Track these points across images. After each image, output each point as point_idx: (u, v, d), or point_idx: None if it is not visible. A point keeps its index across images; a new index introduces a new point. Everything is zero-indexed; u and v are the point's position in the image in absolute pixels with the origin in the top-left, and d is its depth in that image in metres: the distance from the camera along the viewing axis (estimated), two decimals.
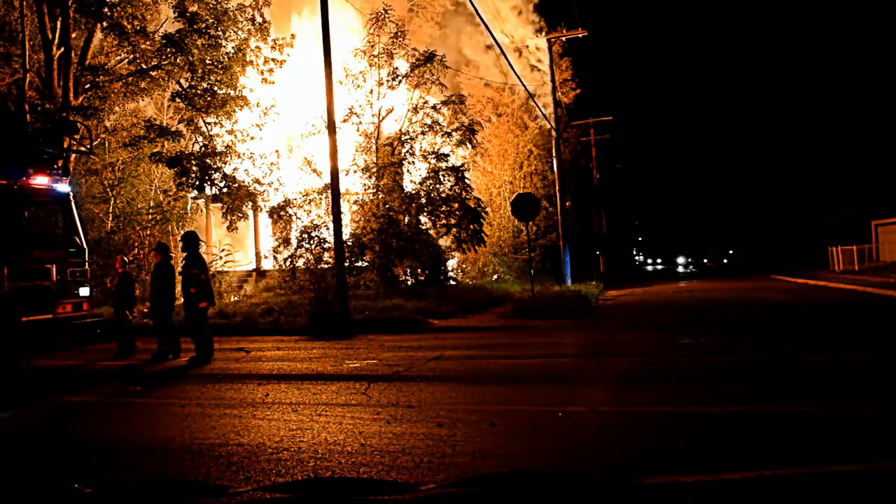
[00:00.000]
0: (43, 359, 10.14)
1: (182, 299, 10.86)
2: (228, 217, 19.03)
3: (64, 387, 8.64)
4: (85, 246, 10.21)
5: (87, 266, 10.26)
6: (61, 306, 9.39)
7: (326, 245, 18.35)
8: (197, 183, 18.42)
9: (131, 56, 17.53)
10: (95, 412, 7.16)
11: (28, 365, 9.62)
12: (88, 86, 16.64)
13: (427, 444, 5.03)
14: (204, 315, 10.19)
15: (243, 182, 18.85)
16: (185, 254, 10.43)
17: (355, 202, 19.64)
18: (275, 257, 19.09)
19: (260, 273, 22.52)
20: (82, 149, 11.88)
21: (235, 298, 19.16)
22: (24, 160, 9.47)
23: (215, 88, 17.87)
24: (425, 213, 19.93)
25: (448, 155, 20.06)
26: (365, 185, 19.67)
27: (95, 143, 17.20)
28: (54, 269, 9.32)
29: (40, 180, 9.64)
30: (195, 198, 21.63)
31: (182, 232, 11.60)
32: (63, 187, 10.01)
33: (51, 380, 9.34)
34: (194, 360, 10.02)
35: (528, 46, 26.74)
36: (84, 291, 9.96)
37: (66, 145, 11.31)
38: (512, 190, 27.16)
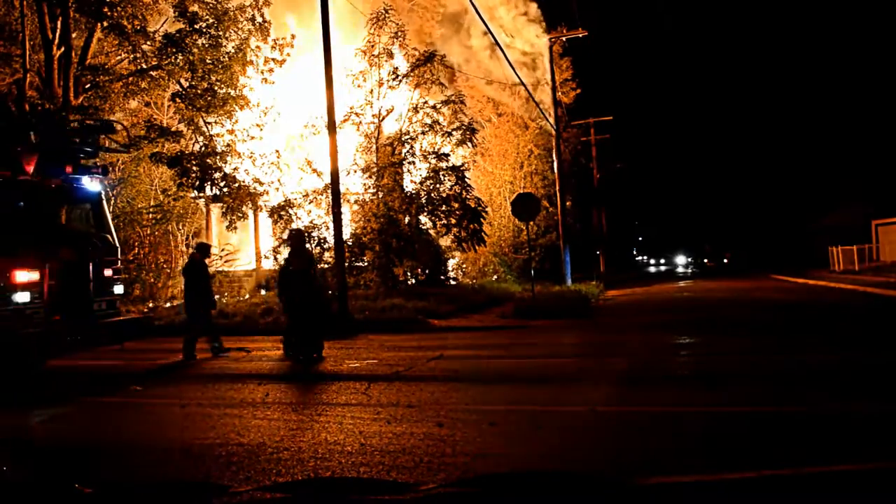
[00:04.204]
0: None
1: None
2: (228, 217, 19.03)
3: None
4: (117, 244, 10.30)
5: (119, 264, 10.33)
6: (97, 304, 9.43)
7: (326, 245, 18.34)
8: (197, 183, 18.41)
9: (132, 56, 17.51)
10: (93, 412, 7.16)
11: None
12: (89, 86, 16.64)
13: (427, 443, 5.03)
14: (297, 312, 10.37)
15: (243, 182, 18.84)
16: (291, 251, 10.73)
17: (355, 202, 19.62)
18: (275, 257, 19.08)
19: (260, 273, 22.50)
20: (119, 148, 11.91)
21: (236, 298, 19.14)
22: (62, 159, 9.55)
23: (216, 88, 17.85)
24: (425, 213, 19.91)
25: (448, 155, 20.03)
26: (365, 185, 19.65)
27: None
28: (91, 266, 9.36)
29: (76, 179, 9.72)
30: (195, 198, 21.62)
31: (291, 229, 11.68)
32: (96, 186, 10.12)
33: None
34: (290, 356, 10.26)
35: (527, 50, 26.76)
36: (119, 289, 10.03)
37: (104, 144, 11.33)
38: (512, 190, 27.16)
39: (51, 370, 9.33)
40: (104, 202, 10.21)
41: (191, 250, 22.31)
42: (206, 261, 11.58)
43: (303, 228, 11.58)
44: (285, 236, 17.90)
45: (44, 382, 8.79)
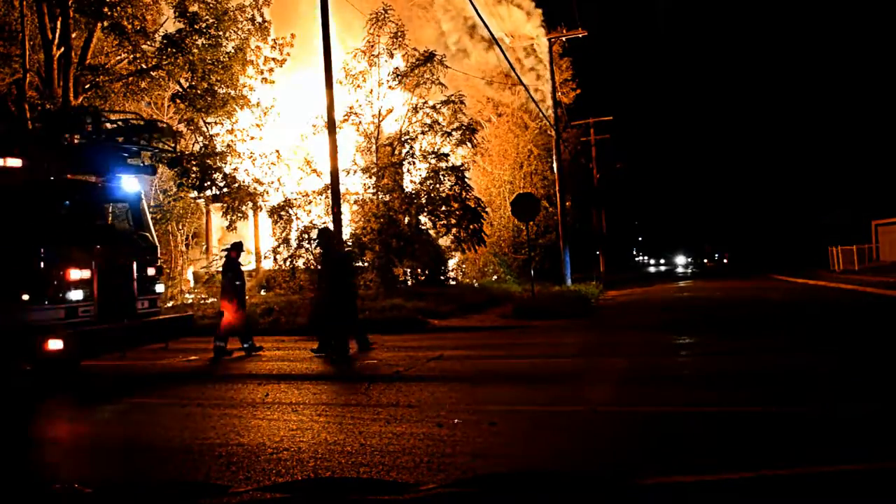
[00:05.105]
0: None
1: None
2: (228, 217, 19.03)
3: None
4: (157, 243, 10.32)
5: (159, 263, 10.37)
6: (140, 303, 9.45)
7: None
8: (197, 183, 18.40)
9: (132, 56, 17.50)
10: (95, 412, 7.16)
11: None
12: (88, 86, 16.63)
13: (427, 444, 5.03)
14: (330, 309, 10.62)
15: (243, 182, 18.84)
16: (321, 250, 11.13)
17: (355, 202, 19.62)
18: (275, 257, 19.07)
19: (260, 273, 22.49)
20: (167, 148, 11.94)
21: None
22: (109, 159, 9.60)
23: (216, 88, 17.85)
24: (425, 213, 19.90)
25: (448, 155, 20.03)
26: (365, 185, 19.65)
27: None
28: (134, 265, 9.37)
29: (120, 178, 9.77)
30: (195, 198, 21.62)
31: (320, 230, 11.95)
32: (136, 186, 10.15)
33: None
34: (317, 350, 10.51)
35: (530, 47, 26.75)
36: (159, 288, 10.09)
37: (150, 144, 11.36)
38: (512, 190, 27.15)
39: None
40: (143, 201, 10.29)
41: (190, 250, 22.35)
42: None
43: (331, 228, 11.79)
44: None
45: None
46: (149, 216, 10.31)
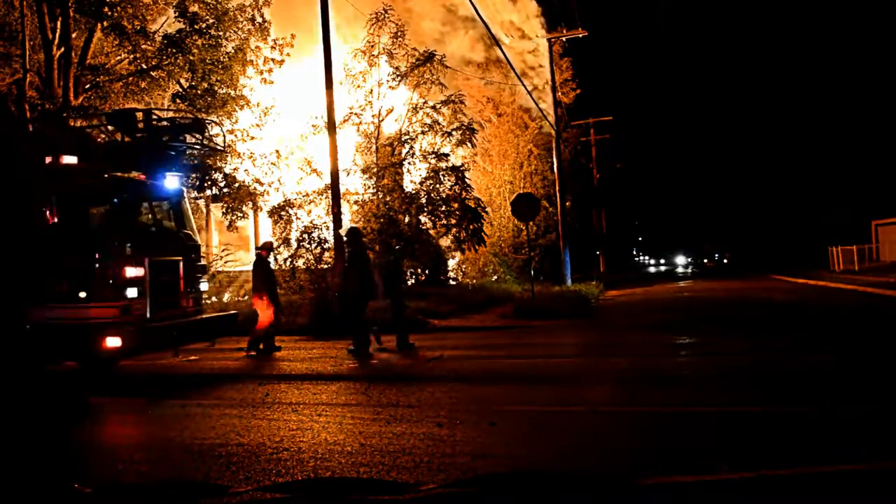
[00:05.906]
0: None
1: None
2: (228, 217, 19.03)
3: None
4: (199, 242, 10.33)
5: (202, 261, 10.37)
6: (185, 300, 9.45)
7: (326, 245, 18.34)
8: (197, 183, 18.41)
9: (132, 56, 17.50)
10: (94, 411, 7.16)
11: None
12: (89, 86, 16.63)
13: (427, 444, 5.03)
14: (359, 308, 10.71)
15: (243, 182, 18.85)
16: (349, 249, 11.14)
17: (355, 202, 19.63)
18: (275, 257, 19.08)
19: None
20: (216, 146, 11.92)
21: (236, 298, 19.13)
22: (153, 157, 9.62)
23: (216, 88, 17.86)
24: (425, 213, 19.90)
25: (448, 155, 20.03)
26: (365, 185, 19.66)
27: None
28: (181, 263, 9.36)
29: (164, 176, 9.80)
30: (195, 198, 21.60)
31: (350, 228, 12.10)
32: (177, 184, 10.15)
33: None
34: (351, 351, 10.50)
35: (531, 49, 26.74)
36: (204, 286, 10.13)
37: (200, 142, 11.35)
38: (512, 190, 27.13)
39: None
40: (185, 199, 10.30)
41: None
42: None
43: (358, 228, 11.90)
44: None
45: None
46: (191, 214, 10.30)
